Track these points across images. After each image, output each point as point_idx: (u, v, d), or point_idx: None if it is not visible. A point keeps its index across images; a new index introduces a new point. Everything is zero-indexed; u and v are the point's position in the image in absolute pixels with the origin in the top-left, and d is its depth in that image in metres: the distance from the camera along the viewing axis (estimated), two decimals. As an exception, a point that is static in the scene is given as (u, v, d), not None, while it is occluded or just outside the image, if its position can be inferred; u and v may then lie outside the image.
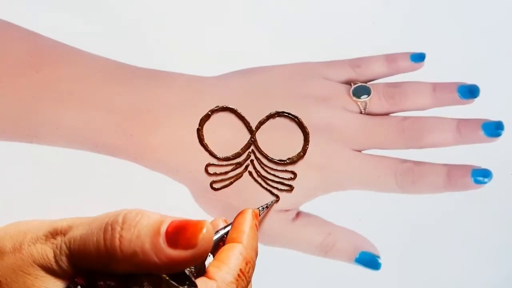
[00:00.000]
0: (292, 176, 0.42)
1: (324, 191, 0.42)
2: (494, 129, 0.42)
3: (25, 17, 0.44)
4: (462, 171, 0.42)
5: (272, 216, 0.41)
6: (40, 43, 0.42)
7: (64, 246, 0.25)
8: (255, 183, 0.42)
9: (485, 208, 0.43)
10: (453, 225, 0.43)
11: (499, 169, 0.43)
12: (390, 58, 0.45)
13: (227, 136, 0.42)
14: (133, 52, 0.44)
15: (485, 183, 0.42)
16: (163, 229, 0.25)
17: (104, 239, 0.25)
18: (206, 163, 0.41)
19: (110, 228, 0.25)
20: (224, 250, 0.30)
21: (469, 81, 0.44)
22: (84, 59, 0.42)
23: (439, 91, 0.44)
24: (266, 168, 0.42)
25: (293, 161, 0.42)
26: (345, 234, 0.43)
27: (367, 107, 0.43)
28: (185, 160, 0.41)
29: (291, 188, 0.41)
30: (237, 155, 0.42)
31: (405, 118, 0.43)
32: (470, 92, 0.44)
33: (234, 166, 0.42)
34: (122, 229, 0.25)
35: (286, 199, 0.41)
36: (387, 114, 0.44)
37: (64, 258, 0.25)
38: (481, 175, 0.41)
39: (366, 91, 0.44)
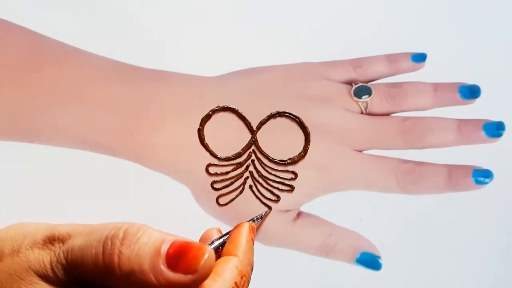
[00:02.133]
0: (293, 176, 0.41)
1: (325, 192, 0.42)
2: (495, 129, 0.42)
3: (25, 17, 0.43)
4: (463, 172, 0.42)
5: (273, 217, 0.41)
6: (40, 42, 0.42)
7: (61, 255, 0.25)
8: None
9: (486, 209, 0.43)
10: (454, 226, 0.43)
11: (500, 170, 0.43)
12: (391, 58, 0.45)
13: (228, 136, 0.42)
14: (133, 52, 0.44)
15: (486, 183, 0.42)
16: (164, 249, 0.24)
17: (103, 253, 0.24)
18: (207, 163, 0.41)
19: (109, 243, 0.24)
20: (220, 263, 0.30)
21: (470, 81, 0.44)
22: (85, 59, 0.42)
23: (440, 92, 0.44)
24: (267, 168, 0.42)
25: (294, 161, 0.42)
26: (346, 235, 0.43)
27: (368, 107, 0.43)
28: (185, 160, 0.41)
29: (292, 188, 0.41)
30: (238, 155, 0.42)
31: (406, 118, 0.43)
32: (471, 92, 0.44)
33: (235, 166, 0.41)
34: (122, 244, 0.24)
35: (287, 199, 0.41)
36: (388, 114, 0.44)
37: (60, 267, 0.25)
38: (482, 175, 0.41)
39: (367, 91, 0.44)
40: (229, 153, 0.41)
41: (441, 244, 0.42)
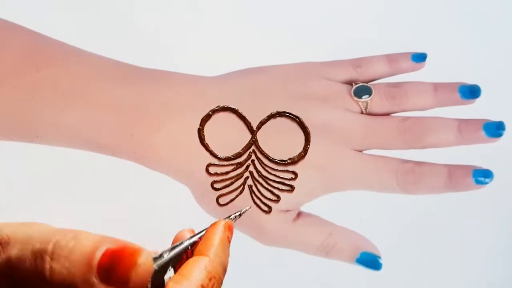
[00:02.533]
0: (293, 176, 0.41)
1: (325, 191, 0.42)
2: (495, 129, 0.42)
3: (25, 17, 0.43)
4: (463, 172, 0.42)
5: (273, 217, 0.41)
6: (40, 42, 0.42)
7: (1, 262, 0.24)
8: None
9: (486, 209, 0.43)
10: (454, 225, 0.43)
11: (500, 170, 0.43)
12: (391, 58, 0.45)
13: (228, 136, 0.42)
14: (133, 52, 0.44)
15: (486, 183, 0.41)
16: (96, 259, 0.23)
17: (35, 268, 0.23)
18: (207, 163, 0.41)
19: (40, 256, 0.23)
20: (188, 264, 0.28)
21: (470, 81, 0.44)
22: (85, 58, 0.42)
23: (440, 91, 0.44)
24: (267, 168, 0.42)
25: (294, 161, 0.41)
26: (346, 235, 0.43)
27: (368, 107, 0.43)
28: (185, 160, 0.41)
29: (292, 188, 0.41)
30: (238, 155, 0.42)
31: (406, 118, 0.43)
32: (471, 92, 0.43)
33: (235, 166, 0.41)
34: (52, 259, 0.23)
35: (287, 199, 0.41)
36: (388, 114, 0.44)
37: (2, 275, 0.24)
38: (482, 175, 0.41)
39: (367, 91, 0.43)
40: (229, 153, 0.41)
41: (441, 243, 0.43)
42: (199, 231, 0.31)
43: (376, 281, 0.41)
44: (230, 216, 0.34)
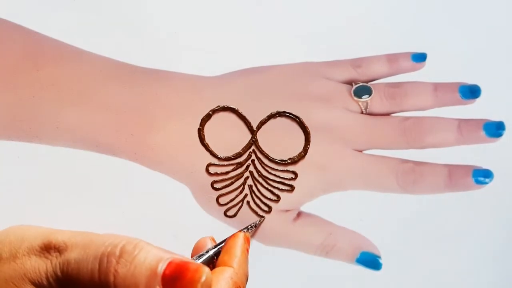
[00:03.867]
0: (293, 176, 0.41)
1: (325, 191, 0.42)
2: (495, 129, 0.42)
3: (25, 17, 0.43)
4: (463, 171, 0.42)
5: (273, 216, 0.41)
6: (40, 42, 0.42)
7: (57, 266, 0.25)
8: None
9: (486, 209, 0.43)
10: (454, 226, 0.43)
11: (500, 170, 0.43)
12: (391, 58, 0.45)
13: (228, 136, 0.42)
14: (133, 52, 0.44)
15: (486, 183, 0.42)
16: (160, 270, 0.24)
17: (99, 271, 0.24)
18: (207, 163, 0.41)
19: (105, 260, 0.24)
20: (215, 274, 0.29)
21: (471, 81, 0.44)
22: (85, 58, 0.42)
23: (440, 91, 0.44)
24: (267, 168, 0.42)
25: (294, 161, 0.42)
26: (346, 234, 0.43)
27: (368, 107, 0.43)
28: (186, 160, 0.41)
29: (292, 188, 0.41)
30: (238, 155, 0.42)
31: (406, 118, 0.43)
32: (471, 92, 0.44)
33: (235, 166, 0.41)
34: (118, 263, 0.24)
35: (287, 199, 0.41)
36: (388, 114, 0.44)
37: (55, 278, 0.25)
38: (482, 175, 0.41)
39: (367, 91, 0.43)
40: (229, 153, 0.41)
41: (441, 244, 0.42)
42: (219, 241, 0.33)
43: (376, 281, 0.41)
44: (248, 227, 0.36)
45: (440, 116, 0.43)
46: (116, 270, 0.24)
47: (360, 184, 0.42)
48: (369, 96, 0.43)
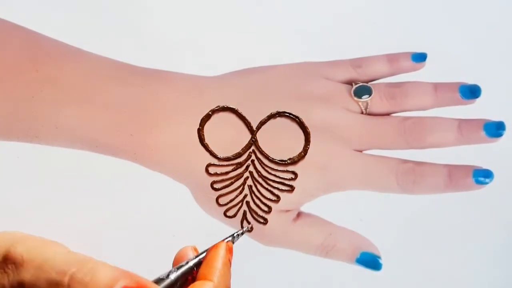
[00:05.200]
0: (293, 176, 0.41)
1: (325, 191, 0.42)
2: (495, 129, 0.42)
3: (25, 17, 0.43)
4: (463, 172, 0.42)
5: (273, 217, 0.41)
6: (40, 42, 0.42)
7: (13, 284, 0.24)
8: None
9: (487, 209, 0.43)
10: (454, 226, 0.43)
11: (501, 170, 0.42)
12: (391, 58, 0.45)
13: (227, 136, 0.42)
14: (133, 52, 0.44)
15: (486, 183, 0.41)
16: None
17: None
18: (207, 163, 0.41)
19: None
20: None
21: (471, 81, 0.44)
22: (85, 58, 0.42)
23: (441, 91, 0.43)
24: (267, 168, 0.42)
25: (294, 161, 0.41)
26: (346, 235, 0.43)
27: (368, 107, 0.43)
28: (185, 160, 0.41)
29: (292, 188, 0.41)
30: (238, 155, 0.42)
31: (406, 118, 0.43)
32: (471, 92, 0.43)
33: (234, 166, 0.41)
34: None
35: (287, 199, 0.41)
36: (388, 114, 0.44)
37: None
38: (483, 175, 0.41)
39: (367, 91, 0.43)
40: (229, 153, 0.41)
41: (441, 244, 0.42)
42: (201, 251, 0.32)
43: (376, 281, 0.41)
44: (232, 234, 0.35)
45: (440, 116, 0.43)
46: None
47: (360, 184, 0.42)
48: (369, 96, 0.43)
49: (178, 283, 0.29)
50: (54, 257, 0.24)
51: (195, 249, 0.33)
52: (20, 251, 0.24)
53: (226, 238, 0.34)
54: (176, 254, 0.33)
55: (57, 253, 0.24)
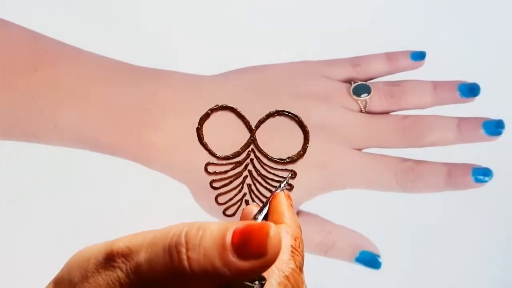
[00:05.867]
0: (292, 175, 0.41)
1: (324, 190, 0.42)
2: (494, 127, 0.42)
3: (25, 17, 0.44)
4: (463, 170, 0.42)
5: (272, 216, 0.41)
6: (39, 42, 0.42)
7: (129, 272, 0.25)
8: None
9: (486, 207, 0.42)
10: (453, 224, 0.43)
11: (500, 168, 0.42)
12: (390, 57, 0.45)
13: (226, 135, 0.42)
14: (133, 52, 0.44)
15: (485, 181, 0.41)
16: (228, 241, 0.24)
17: (172, 262, 0.24)
18: (206, 162, 0.41)
19: (175, 251, 0.24)
20: None
21: (470, 79, 0.44)
22: (84, 58, 0.42)
23: (440, 90, 0.43)
24: (265, 167, 0.42)
25: (293, 160, 0.41)
26: (345, 233, 0.43)
27: (367, 105, 0.43)
28: (184, 159, 0.41)
29: (291, 187, 0.41)
30: (237, 154, 0.42)
31: (406, 116, 0.43)
32: (470, 90, 0.43)
33: (233, 165, 0.41)
34: (187, 249, 0.24)
35: (286, 198, 0.41)
36: (387, 112, 0.44)
37: (128, 282, 0.25)
38: (482, 173, 0.41)
39: (366, 90, 0.43)
40: (228, 152, 0.41)
41: (440, 242, 0.42)
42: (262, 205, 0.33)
43: (376, 280, 0.41)
44: (281, 186, 0.35)
45: (440, 114, 0.43)
46: (188, 257, 0.24)
47: (359, 183, 0.42)
48: (368, 95, 0.43)
49: None
50: (157, 232, 0.25)
51: (258, 206, 0.34)
52: (122, 244, 0.25)
53: (277, 188, 0.35)
54: (242, 214, 0.34)
55: (158, 231, 0.25)
